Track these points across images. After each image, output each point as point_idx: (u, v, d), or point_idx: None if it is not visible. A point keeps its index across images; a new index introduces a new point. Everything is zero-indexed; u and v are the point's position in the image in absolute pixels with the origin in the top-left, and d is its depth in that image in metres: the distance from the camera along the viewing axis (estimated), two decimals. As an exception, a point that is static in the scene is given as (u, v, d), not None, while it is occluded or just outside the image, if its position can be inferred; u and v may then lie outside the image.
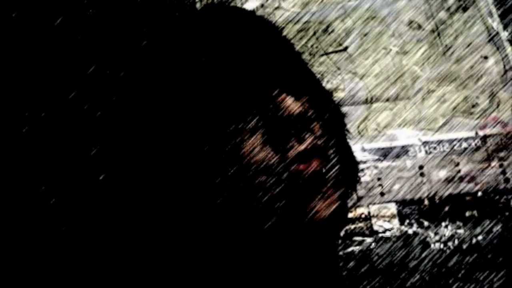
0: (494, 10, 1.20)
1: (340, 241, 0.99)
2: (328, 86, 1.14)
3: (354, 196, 1.04)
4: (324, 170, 0.45)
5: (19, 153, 0.48)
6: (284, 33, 0.55)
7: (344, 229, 1.03)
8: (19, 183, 0.47)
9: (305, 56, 1.16)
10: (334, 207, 0.44)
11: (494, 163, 1.07)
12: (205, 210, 0.43)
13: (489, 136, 1.09)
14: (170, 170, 0.44)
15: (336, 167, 0.46)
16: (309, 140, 0.45)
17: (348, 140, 0.56)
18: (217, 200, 0.42)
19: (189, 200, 0.43)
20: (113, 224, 0.45)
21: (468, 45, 1.17)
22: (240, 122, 0.43)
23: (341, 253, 1.00)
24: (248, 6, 1.20)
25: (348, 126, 1.13)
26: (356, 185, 0.55)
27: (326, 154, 0.46)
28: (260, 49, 0.48)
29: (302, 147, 0.44)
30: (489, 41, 1.17)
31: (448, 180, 1.06)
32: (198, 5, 1.16)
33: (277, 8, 1.21)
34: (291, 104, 0.45)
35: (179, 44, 0.47)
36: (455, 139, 1.09)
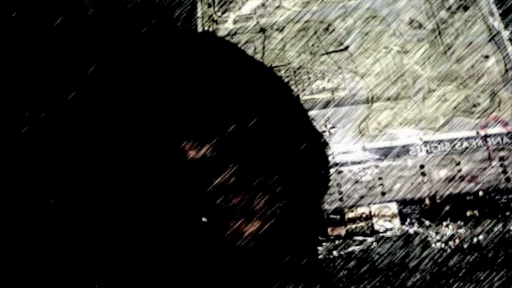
0: (495, 9, 1.20)
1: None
2: (329, 86, 1.14)
3: (355, 196, 1.04)
4: (238, 205, 0.46)
5: (14, 154, 0.48)
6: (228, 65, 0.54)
7: (345, 228, 1.03)
8: (15, 184, 0.47)
9: (306, 56, 1.16)
10: (247, 237, 0.46)
11: (495, 162, 1.07)
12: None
13: (490, 135, 1.09)
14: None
15: (253, 200, 0.47)
16: (215, 181, 0.46)
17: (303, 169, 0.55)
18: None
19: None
20: (103, 225, 0.45)
21: (469, 45, 1.17)
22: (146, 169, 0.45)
23: (342, 252, 1.00)
24: (249, 5, 1.19)
25: (349, 125, 1.12)
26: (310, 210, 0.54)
27: (240, 190, 0.47)
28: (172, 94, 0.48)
29: (209, 187, 0.46)
30: (490, 40, 1.17)
31: (449, 180, 1.06)
32: (199, 8, 1.16)
33: (278, 7, 1.20)
34: (192, 152, 0.46)
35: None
36: (456, 139, 1.09)
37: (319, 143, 0.56)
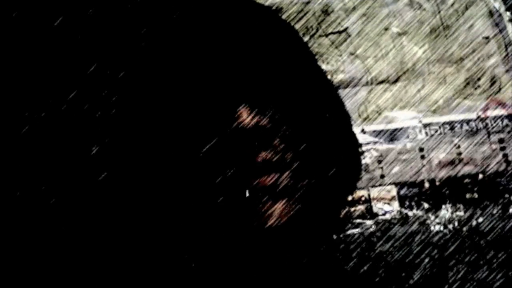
0: (496, -10, 1.19)
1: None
2: (328, 68, 1.13)
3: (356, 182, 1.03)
4: (277, 183, 0.45)
5: (19, 153, 0.47)
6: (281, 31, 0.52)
7: (344, 211, 1.03)
8: (19, 183, 0.46)
9: (305, 38, 1.15)
10: (282, 219, 0.45)
11: (495, 145, 1.07)
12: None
13: (490, 118, 1.09)
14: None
15: (291, 181, 0.46)
16: (263, 155, 0.45)
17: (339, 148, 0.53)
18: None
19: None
20: (113, 223, 0.45)
21: (470, 27, 1.16)
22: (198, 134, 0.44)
23: (341, 235, 1.00)
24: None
25: (348, 108, 1.12)
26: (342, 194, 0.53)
27: (282, 167, 0.45)
28: (229, 59, 0.47)
29: (257, 160, 0.44)
30: (491, 22, 1.16)
31: (449, 162, 1.06)
32: None
33: (276, -12, 1.19)
34: (247, 119, 0.45)
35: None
36: (455, 121, 1.08)
37: (353, 131, 0.56)
